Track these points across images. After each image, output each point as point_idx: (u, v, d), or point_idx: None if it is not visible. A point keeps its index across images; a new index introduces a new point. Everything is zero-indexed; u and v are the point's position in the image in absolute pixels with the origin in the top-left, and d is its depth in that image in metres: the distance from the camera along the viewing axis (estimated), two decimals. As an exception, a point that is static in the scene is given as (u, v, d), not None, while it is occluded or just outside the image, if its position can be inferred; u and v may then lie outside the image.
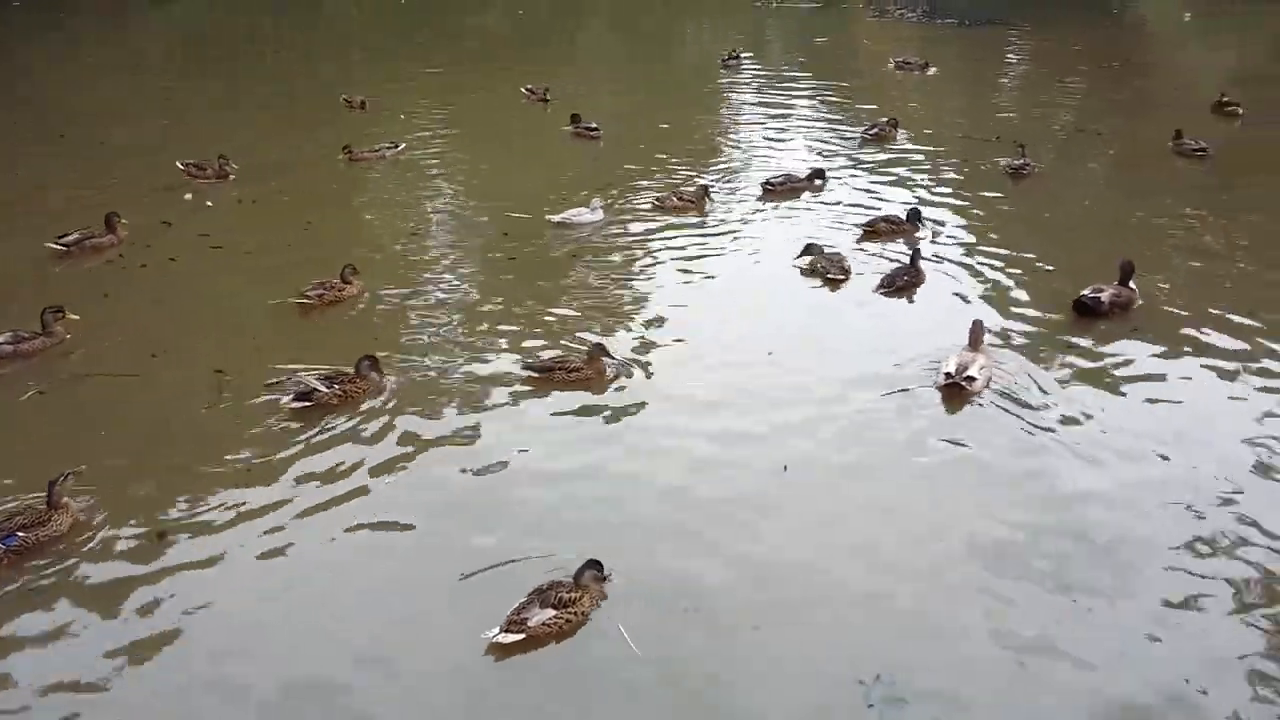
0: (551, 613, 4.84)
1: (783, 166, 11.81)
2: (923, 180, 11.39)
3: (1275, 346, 7.35)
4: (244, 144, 12.22)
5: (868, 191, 11.01)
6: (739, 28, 21.49)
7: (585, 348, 7.25)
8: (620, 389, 6.85)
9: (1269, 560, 5.11)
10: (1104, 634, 4.65)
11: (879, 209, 10.32)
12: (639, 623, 4.75)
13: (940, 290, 8.50)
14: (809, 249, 9.02)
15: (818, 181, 11.13)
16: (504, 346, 7.45)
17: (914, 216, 9.78)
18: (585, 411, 6.55)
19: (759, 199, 10.76)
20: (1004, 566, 5.09)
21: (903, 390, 6.87)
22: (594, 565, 5.04)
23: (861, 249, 9.31)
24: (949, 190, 11.06)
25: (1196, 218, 10.09)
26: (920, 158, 12.31)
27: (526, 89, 15.43)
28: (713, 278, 8.69)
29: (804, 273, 8.82)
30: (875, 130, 13.11)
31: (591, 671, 4.55)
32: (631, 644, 4.64)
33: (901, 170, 11.75)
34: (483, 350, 7.39)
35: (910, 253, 8.82)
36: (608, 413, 6.54)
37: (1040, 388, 6.88)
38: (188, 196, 10.56)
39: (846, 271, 8.73)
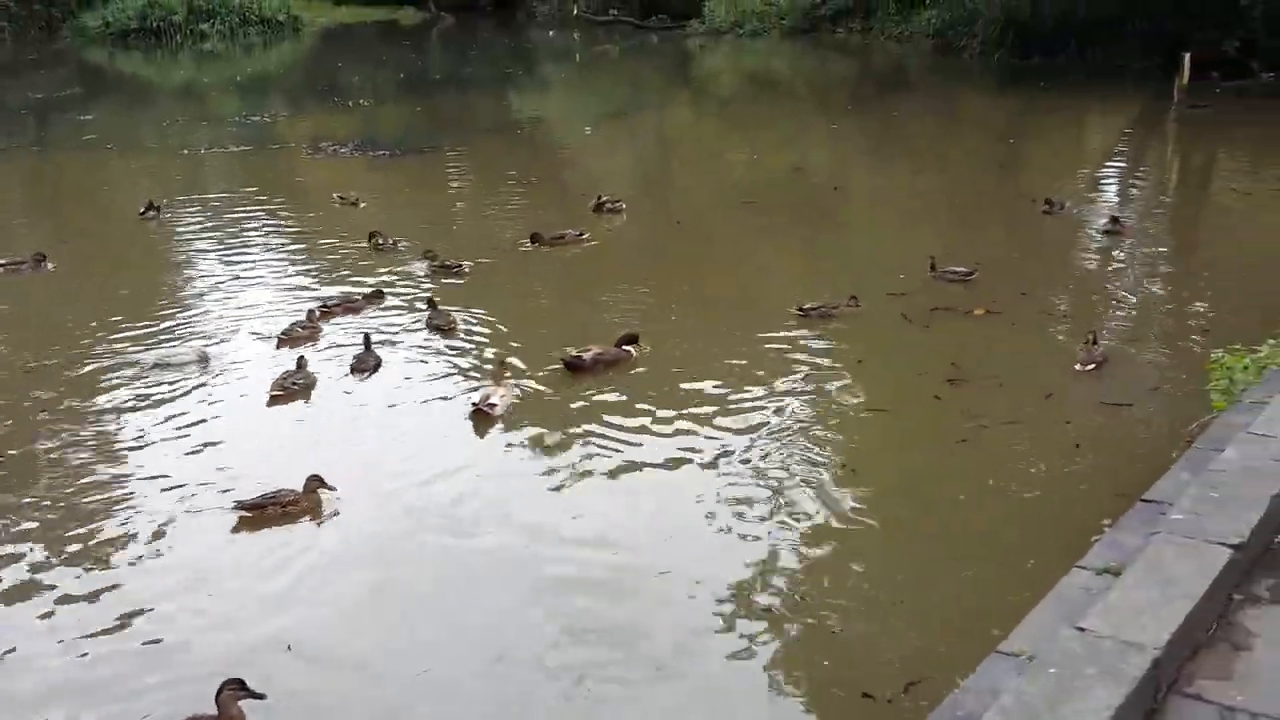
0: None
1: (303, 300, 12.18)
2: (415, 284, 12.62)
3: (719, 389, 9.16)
4: None
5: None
6: (170, 176, 20.74)
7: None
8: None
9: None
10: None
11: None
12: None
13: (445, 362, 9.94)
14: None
15: (377, 301, 11.92)
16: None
17: (431, 304, 11.32)
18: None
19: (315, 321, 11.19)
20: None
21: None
22: (233, 684, 5.05)
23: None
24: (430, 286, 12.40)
25: (634, 295, 12.00)
26: (410, 267, 13.42)
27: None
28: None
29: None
30: (383, 243, 14.18)
31: None
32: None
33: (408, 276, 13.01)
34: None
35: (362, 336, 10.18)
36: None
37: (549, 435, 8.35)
38: None
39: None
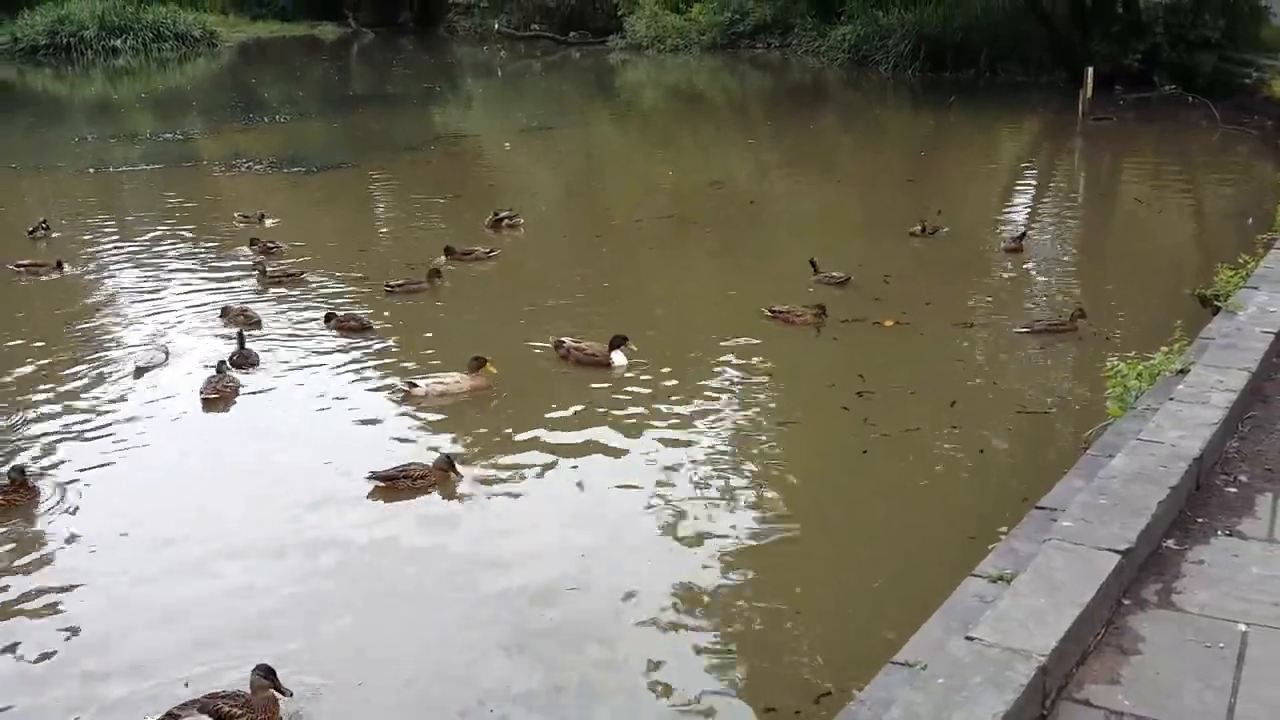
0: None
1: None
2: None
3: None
4: None
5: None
6: (75, 195, 20.18)
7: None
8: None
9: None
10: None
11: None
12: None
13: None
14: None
15: (437, 281, 12.36)
16: None
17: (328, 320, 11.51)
18: None
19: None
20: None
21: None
22: (262, 671, 5.01)
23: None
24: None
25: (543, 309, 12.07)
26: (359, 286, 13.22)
27: None
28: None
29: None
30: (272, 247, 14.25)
31: None
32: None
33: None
34: None
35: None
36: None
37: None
38: None
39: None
